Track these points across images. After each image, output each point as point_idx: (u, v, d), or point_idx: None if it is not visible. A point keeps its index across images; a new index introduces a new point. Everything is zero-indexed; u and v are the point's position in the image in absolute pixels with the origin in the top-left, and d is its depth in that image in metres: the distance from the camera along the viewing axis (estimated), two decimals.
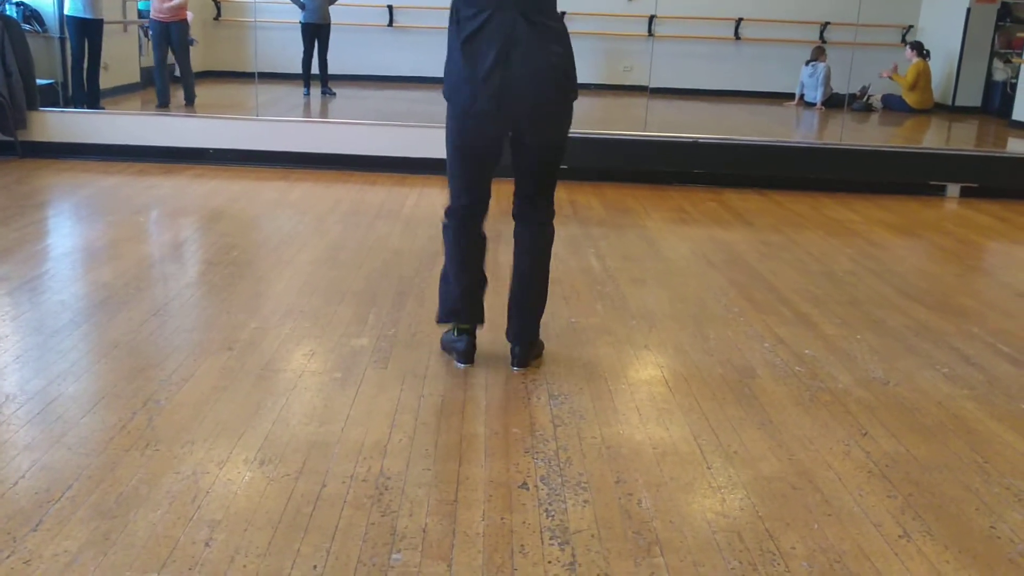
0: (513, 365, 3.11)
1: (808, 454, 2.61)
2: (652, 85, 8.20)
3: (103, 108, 7.80)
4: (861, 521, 2.27)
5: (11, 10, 7.57)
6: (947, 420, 2.88)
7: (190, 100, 8.37)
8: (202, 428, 2.61)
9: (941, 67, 11.10)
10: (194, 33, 9.12)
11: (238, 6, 11.15)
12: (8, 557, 1.98)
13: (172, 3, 8.07)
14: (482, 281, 3.17)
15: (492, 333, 3.32)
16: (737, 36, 11.71)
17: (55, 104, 7.33)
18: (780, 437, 2.70)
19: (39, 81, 7.14)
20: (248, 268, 4.23)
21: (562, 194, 6.34)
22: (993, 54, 11.12)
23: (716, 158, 6.85)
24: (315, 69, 9.63)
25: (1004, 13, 11.06)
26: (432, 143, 6.87)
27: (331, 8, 9.60)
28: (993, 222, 6.07)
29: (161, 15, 8.04)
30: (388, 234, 4.95)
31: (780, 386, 3.09)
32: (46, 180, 6.14)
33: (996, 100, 10.93)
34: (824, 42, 11.18)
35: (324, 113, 9.43)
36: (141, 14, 9.33)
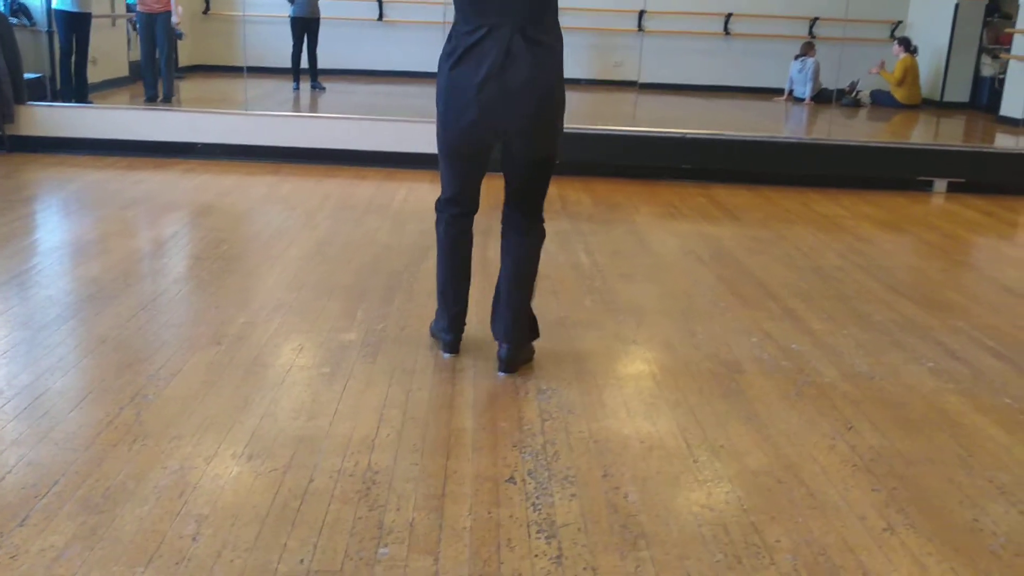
0: (499, 371, 3.06)
1: (794, 448, 2.62)
2: (642, 80, 8.22)
3: (91, 102, 7.77)
4: (845, 514, 2.28)
5: None
6: (932, 414, 2.91)
7: (168, 97, 8.27)
8: (190, 423, 2.61)
9: (929, 63, 11.13)
10: (183, 27, 9.09)
11: (227, 0, 11.11)
12: None
13: None
14: (467, 288, 3.18)
15: (482, 329, 3.33)
16: (727, 31, 11.73)
17: (43, 98, 7.29)
18: (766, 431, 2.72)
19: (27, 75, 7.11)
20: (237, 263, 4.22)
21: (552, 189, 6.32)
22: (981, 50, 11.16)
23: (705, 153, 6.87)
24: (305, 63, 9.61)
25: (992, 9, 11.10)
26: (422, 138, 6.87)
27: (321, 2, 9.57)
28: (980, 217, 6.10)
29: (146, 6, 8.00)
30: (377, 229, 4.95)
31: (767, 380, 3.11)
32: (34, 174, 6.11)
33: (984, 96, 10.98)
34: (813, 37, 11.21)
35: (314, 107, 9.42)
36: (129, 8, 9.28)
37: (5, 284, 3.76)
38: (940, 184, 6.92)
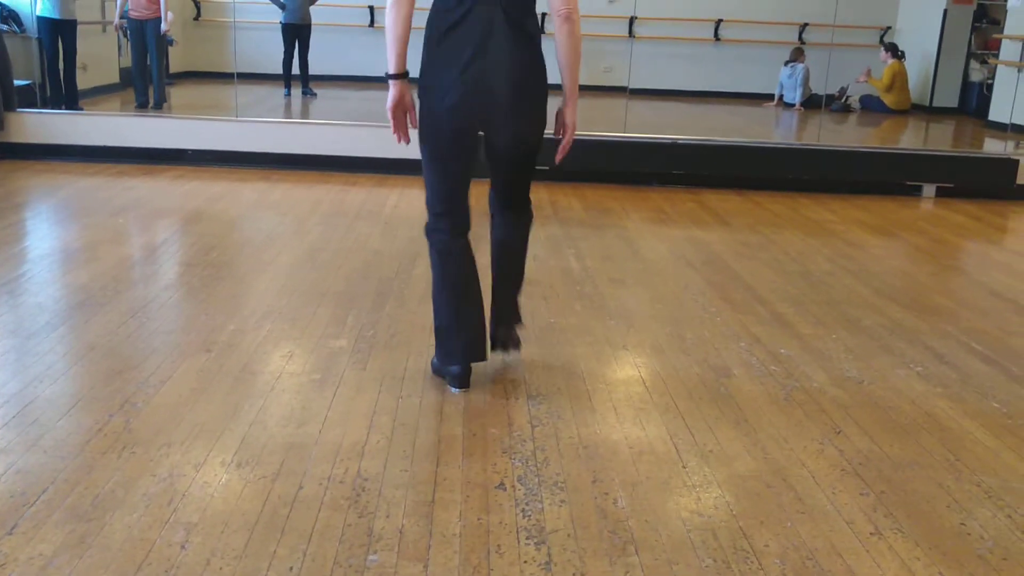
0: (494, 348, 3.11)
1: (782, 453, 2.63)
2: (632, 86, 8.24)
3: (82, 109, 7.76)
4: (834, 519, 2.29)
5: None
6: (920, 418, 2.92)
7: (159, 103, 8.27)
8: (179, 430, 2.61)
9: (918, 68, 11.19)
10: (174, 33, 9.09)
11: (218, 6, 11.11)
12: None
13: None
14: (479, 307, 2.97)
15: None
16: (717, 37, 11.77)
17: (33, 105, 7.28)
18: (755, 436, 2.73)
19: (17, 82, 7.10)
20: (227, 269, 4.22)
21: (542, 194, 6.38)
22: (970, 55, 11.22)
23: (695, 159, 6.89)
24: (296, 70, 9.61)
25: (980, 14, 11.17)
26: (412, 144, 6.87)
27: (312, 8, 9.58)
28: (968, 222, 6.13)
29: (136, 13, 8.00)
30: (368, 235, 4.95)
31: (756, 385, 3.12)
32: (24, 181, 6.10)
33: (973, 101, 11.04)
34: (803, 43, 11.26)
35: (305, 114, 9.42)
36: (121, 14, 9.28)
37: None
38: (929, 189, 6.96)
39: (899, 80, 10.55)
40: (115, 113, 8.28)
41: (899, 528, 2.26)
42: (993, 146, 8.85)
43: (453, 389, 2.97)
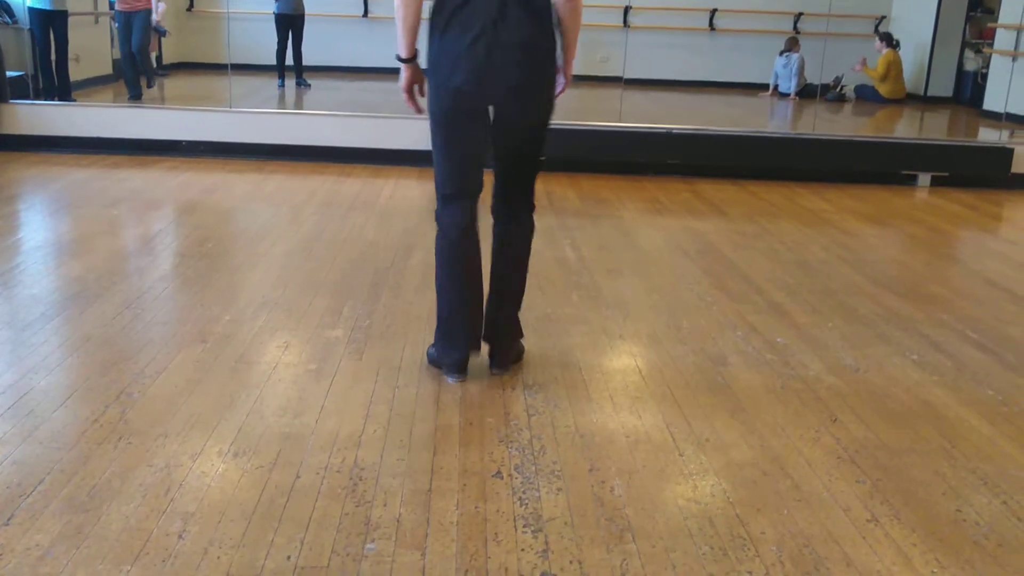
0: (492, 368, 3.02)
1: (779, 441, 2.64)
2: (627, 76, 8.22)
3: (75, 100, 7.72)
4: (830, 506, 2.30)
5: None
6: (916, 406, 2.93)
7: (150, 83, 8.33)
8: (176, 421, 2.60)
9: (913, 57, 11.18)
10: (167, 24, 9.05)
11: None
12: None
13: None
14: (479, 296, 2.97)
15: None
16: (712, 27, 11.75)
17: (25, 96, 7.25)
18: (751, 424, 2.74)
19: (9, 73, 7.06)
20: (222, 260, 4.21)
21: (538, 185, 6.30)
22: (964, 44, 11.22)
23: (691, 149, 6.88)
24: (290, 60, 9.58)
25: (975, 3, 11.16)
26: (407, 134, 6.87)
27: None
28: (963, 211, 6.14)
29: (125, 4, 7.96)
30: (363, 225, 4.94)
31: (752, 374, 3.12)
32: (17, 173, 6.08)
33: (967, 90, 11.03)
34: (798, 33, 11.24)
35: (299, 104, 9.39)
36: (111, 5, 9.23)
37: None
38: (924, 178, 6.96)
39: (894, 69, 10.54)
40: (108, 104, 8.25)
41: (895, 515, 2.27)
42: (988, 135, 8.85)
43: (450, 379, 2.96)
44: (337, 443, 2.51)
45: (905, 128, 9.96)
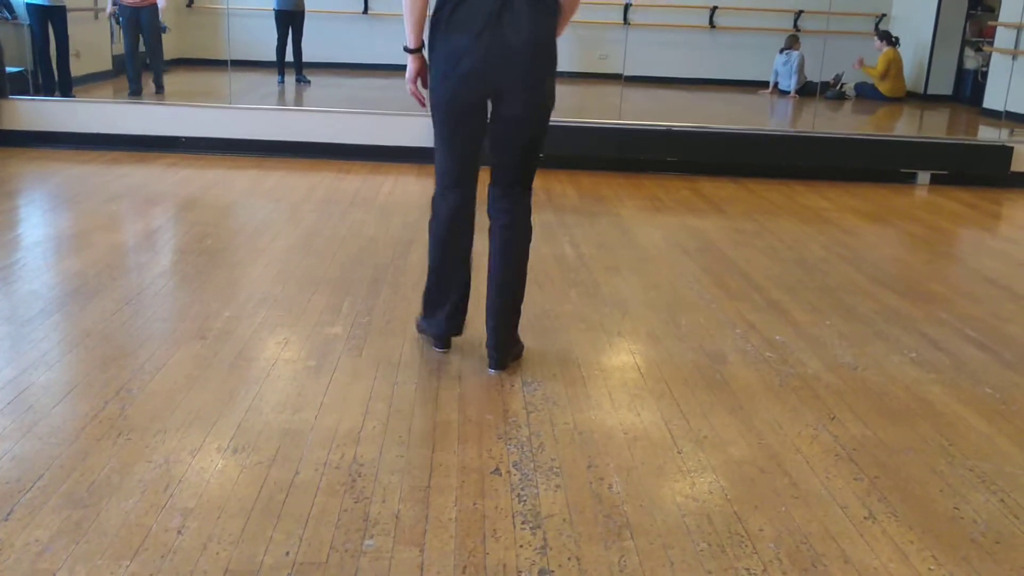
0: (490, 368, 3.03)
1: (777, 438, 2.64)
2: (627, 73, 8.23)
3: (75, 96, 7.72)
4: (828, 503, 2.30)
5: None
6: (914, 404, 2.93)
7: (159, 88, 8.29)
8: (175, 417, 2.61)
9: (913, 56, 11.18)
10: (166, 20, 9.03)
11: None
12: None
13: None
14: (467, 281, 3.06)
15: (468, 320, 3.33)
16: (712, 24, 11.75)
17: (25, 92, 7.24)
18: (750, 422, 2.74)
19: (9, 69, 7.06)
20: (221, 256, 4.22)
21: (537, 182, 6.32)
22: (964, 42, 11.22)
23: (690, 146, 6.89)
24: (290, 57, 9.57)
25: (975, 2, 11.16)
26: (407, 131, 6.87)
27: None
28: (962, 209, 6.15)
29: (131, 0, 7.96)
30: (363, 222, 4.95)
31: (751, 372, 3.12)
32: (16, 169, 6.08)
33: (967, 88, 11.03)
34: (798, 30, 11.23)
35: (299, 101, 9.39)
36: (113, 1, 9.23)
37: None
38: (924, 176, 6.97)
39: (894, 67, 10.54)
40: (108, 100, 8.25)
41: (893, 512, 2.28)
42: (987, 133, 8.85)
43: (436, 349, 3.15)
44: (336, 439, 2.51)
45: (905, 126, 9.96)
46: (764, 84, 11.04)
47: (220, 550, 2.00)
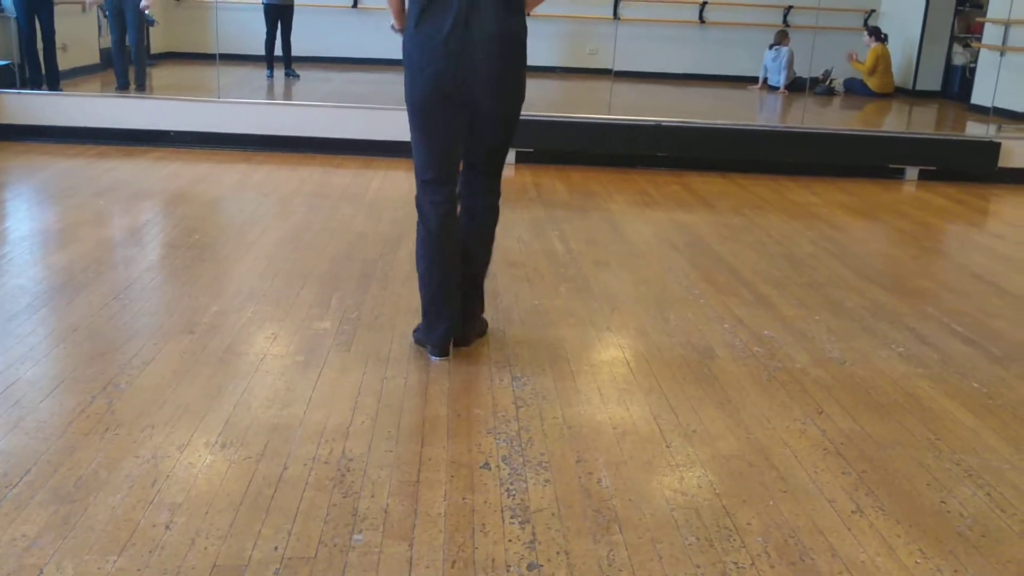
0: (457, 344, 3.10)
1: (765, 432, 2.65)
2: (617, 68, 8.22)
3: (62, 90, 7.67)
4: (816, 497, 2.31)
5: None
6: (901, 398, 2.94)
7: (140, 84, 8.19)
8: (163, 412, 2.60)
9: (902, 52, 11.21)
10: (155, 14, 8.98)
11: None
12: None
13: None
14: (457, 282, 3.04)
15: None
16: (701, 20, 11.76)
17: (12, 85, 7.20)
18: (738, 416, 2.75)
19: None
20: (210, 251, 4.20)
21: (527, 177, 6.37)
22: (953, 39, 11.25)
23: (680, 141, 6.89)
24: (278, 51, 9.54)
25: None
26: (397, 125, 6.84)
27: None
28: (950, 204, 6.17)
29: None
30: (352, 217, 4.93)
31: (739, 366, 3.13)
32: (3, 163, 6.04)
33: (956, 84, 11.07)
34: (787, 26, 11.25)
35: (288, 95, 9.36)
36: None
37: None
38: (912, 172, 6.99)
39: (882, 63, 10.57)
40: (96, 94, 8.20)
41: (880, 506, 2.29)
42: (975, 129, 8.88)
43: (433, 359, 3.05)
44: (325, 434, 2.51)
45: (893, 122, 9.99)
46: (754, 80, 11.06)
47: (208, 545, 2.00)
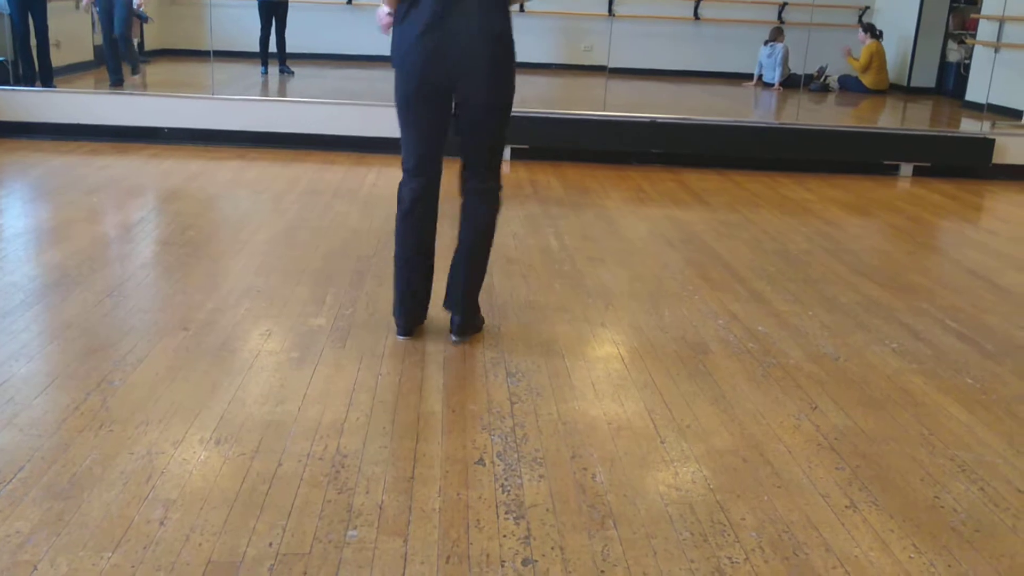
0: (452, 334, 3.17)
1: (759, 428, 2.66)
2: (611, 65, 8.22)
3: (55, 86, 7.65)
4: (809, 492, 2.32)
5: None
6: (895, 394, 2.95)
7: (134, 69, 8.24)
8: (157, 408, 2.60)
9: (896, 48, 11.22)
10: (149, 11, 8.97)
11: None
12: None
13: None
14: (426, 270, 3.18)
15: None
16: (696, 16, 11.76)
17: (5, 82, 7.18)
18: (732, 412, 2.75)
19: None
20: (204, 248, 4.19)
21: (522, 173, 6.37)
22: (947, 35, 11.26)
23: (675, 138, 6.89)
24: (273, 48, 9.52)
25: None
26: (391, 122, 6.83)
27: None
28: (944, 201, 6.18)
29: None
30: (346, 213, 4.93)
31: (733, 362, 3.14)
32: None
33: (950, 81, 11.08)
34: (782, 23, 11.26)
35: (282, 92, 9.34)
36: None
37: None
38: (906, 168, 7.00)
39: (877, 60, 10.58)
40: (89, 91, 8.17)
41: (874, 501, 2.29)
42: (969, 126, 8.90)
43: (399, 336, 3.19)
44: (319, 431, 2.51)
45: (888, 118, 10.00)
46: (748, 76, 11.06)
47: (203, 541, 2.00)
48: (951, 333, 3.54)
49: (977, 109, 8.72)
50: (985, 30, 9.77)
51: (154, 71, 8.73)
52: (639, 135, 6.86)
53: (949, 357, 3.29)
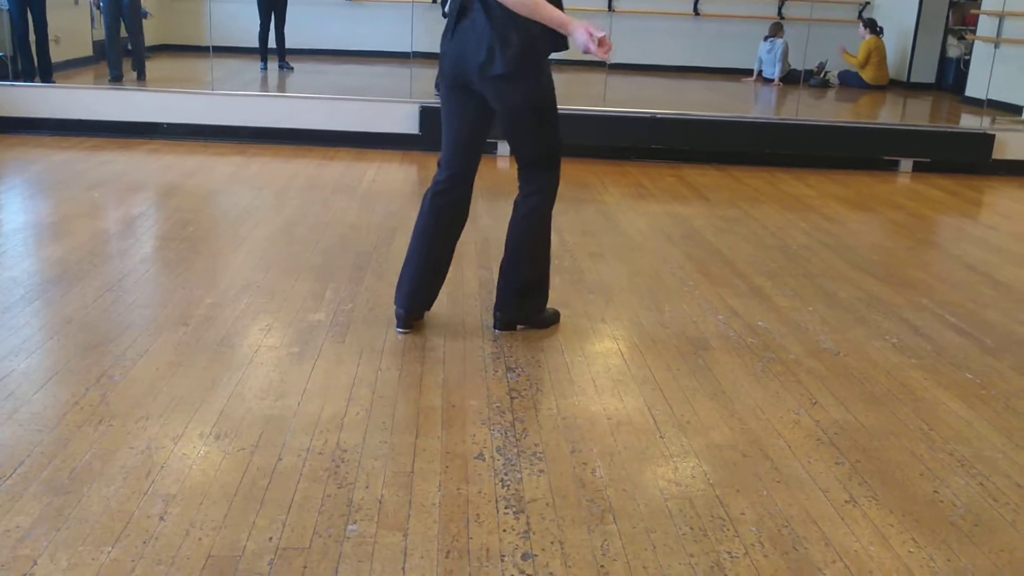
0: (495, 327, 3.25)
1: (759, 423, 2.66)
2: (611, 61, 8.21)
3: (54, 82, 7.65)
4: (809, 487, 2.32)
5: None
6: (894, 389, 2.95)
7: (141, 74, 8.22)
8: (157, 403, 2.60)
9: (896, 44, 11.22)
10: (148, 5, 8.96)
11: None
12: None
13: None
14: (436, 266, 3.21)
15: (453, 306, 3.33)
16: (696, 12, 11.75)
17: (4, 78, 7.17)
18: (732, 407, 2.75)
19: None
20: (204, 243, 4.19)
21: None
22: (947, 31, 11.26)
23: (675, 134, 6.89)
24: (272, 43, 9.51)
25: None
26: (391, 118, 6.84)
27: None
28: (944, 196, 6.18)
29: None
30: (346, 209, 4.93)
31: (733, 357, 3.14)
32: None
33: (950, 76, 11.08)
34: (782, 18, 11.25)
35: (281, 87, 9.33)
36: None
37: None
38: (906, 164, 7.00)
39: (876, 56, 10.57)
40: (89, 86, 8.17)
41: (873, 496, 2.29)
42: (969, 121, 8.90)
43: (397, 330, 3.19)
44: (319, 425, 2.51)
45: (888, 114, 10.00)
46: (748, 72, 11.06)
47: (203, 536, 2.00)
48: (951, 328, 3.54)
49: (977, 105, 8.72)
50: (985, 25, 9.76)
51: (153, 67, 8.71)
52: (639, 131, 6.86)
53: (949, 352, 3.29)
